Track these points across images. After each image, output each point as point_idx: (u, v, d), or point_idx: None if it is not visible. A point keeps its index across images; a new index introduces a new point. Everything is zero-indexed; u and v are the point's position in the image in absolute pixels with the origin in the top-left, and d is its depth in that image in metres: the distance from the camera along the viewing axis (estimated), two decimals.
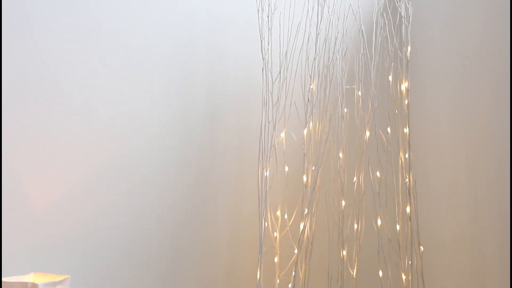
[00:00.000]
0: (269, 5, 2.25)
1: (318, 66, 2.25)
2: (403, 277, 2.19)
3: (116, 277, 2.09)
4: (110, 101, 2.11)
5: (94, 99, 2.07)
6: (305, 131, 2.23)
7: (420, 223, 2.21)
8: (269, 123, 2.21)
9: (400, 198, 2.26)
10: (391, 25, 2.35)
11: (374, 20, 2.34)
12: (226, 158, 2.37)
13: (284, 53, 2.25)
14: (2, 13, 1.89)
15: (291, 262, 2.17)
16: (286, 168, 2.29)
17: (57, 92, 1.99)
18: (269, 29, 2.25)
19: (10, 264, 1.84)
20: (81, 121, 2.04)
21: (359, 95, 2.30)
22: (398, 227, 2.23)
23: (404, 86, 2.28)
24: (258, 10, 2.24)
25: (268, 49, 2.24)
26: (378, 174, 2.28)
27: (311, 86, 2.24)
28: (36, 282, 1.68)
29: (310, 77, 2.25)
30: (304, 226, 2.14)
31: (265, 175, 2.17)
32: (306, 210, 2.15)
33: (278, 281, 2.19)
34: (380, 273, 2.23)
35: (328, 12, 2.28)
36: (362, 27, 2.30)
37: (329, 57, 2.26)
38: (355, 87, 2.31)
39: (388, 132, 2.30)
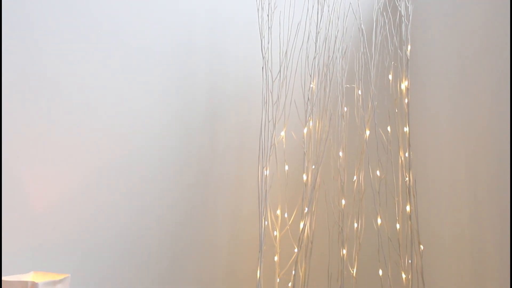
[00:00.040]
0: (269, 4, 2.25)
1: (318, 65, 2.25)
2: (403, 276, 2.19)
3: (116, 276, 2.09)
4: (110, 101, 2.11)
5: (94, 99, 2.08)
6: (305, 130, 2.23)
7: (420, 222, 2.21)
8: (269, 122, 2.21)
9: (400, 197, 2.26)
10: (391, 24, 2.34)
11: (374, 19, 2.34)
12: (226, 158, 2.37)
13: (284, 52, 2.24)
14: (1, 13, 1.89)
15: (291, 261, 2.17)
16: (286, 167, 2.29)
17: (57, 92, 2.00)
18: (269, 28, 2.24)
19: (10, 263, 1.84)
20: (81, 121, 2.04)
21: (359, 94, 2.30)
22: (398, 226, 2.23)
23: (404, 85, 2.28)
24: (258, 9, 2.24)
25: (268, 48, 2.24)
26: (378, 173, 2.28)
27: (311, 85, 2.24)
28: (36, 281, 1.68)
29: (310, 76, 2.25)
30: (304, 225, 2.14)
31: (265, 174, 2.17)
32: (306, 209, 2.15)
33: (278, 280, 2.19)
34: (380, 272, 2.23)
35: (328, 11, 2.28)
36: (362, 26, 2.30)
37: (329, 56, 2.26)
38: (355, 86, 2.31)
39: (388, 131, 2.30)
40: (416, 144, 2.40)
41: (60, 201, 1.97)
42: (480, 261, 2.18)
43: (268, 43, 2.24)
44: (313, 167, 2.20)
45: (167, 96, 2.25)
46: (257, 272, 2.12)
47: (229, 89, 2.39)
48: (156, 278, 2.17)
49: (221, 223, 2.34)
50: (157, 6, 2.24)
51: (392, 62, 2.34)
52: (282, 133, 2.27)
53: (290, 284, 2.14)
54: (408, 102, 2.25)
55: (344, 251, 2.19)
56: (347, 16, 2.29)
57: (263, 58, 2.22)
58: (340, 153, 2.26)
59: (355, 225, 2.26)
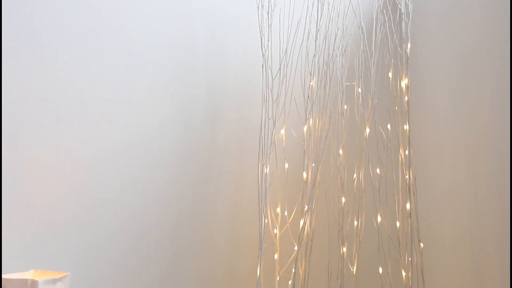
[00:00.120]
0: (269, 1, 2.25)
1: (318, 62, 2.25)
2: (403, 273, 2.19)
3: (116, 274, 2.08)
4: (109, 98, 2.10)
5: (93, 96, 2.07)
6: (305, 128, 2.23)
7: (420, 220, 2.21)
8: (269, 120, 2.20)
9: (400, 195, 2.26)
10: (391, 22, 2.34)
11: (374, 17, 2.34)
12: (226, 155, 2.37)
13: (284, 50, 2.24)
14: (1, 9, 1.88)
15: (291, 259, 2.16)
16: (286, 165, 2.28)
17: (55, 90, 1.99)
18: (269, 25, 2.24)
19: (10, 261, 1.83)
20: (80, 117, 2.03)
21: (359, 92, 2.30)
22: (398, 224, 2.23)
23: (404, 82, 2.28)
24: (258, 7, 2.24)
25: (268, 45, 2.23)
26: (378, 171, 2.28)
27: (311, 83, 2.24)
28: (36, 279, 1.67)
29: (310, 74, 2.24)
30: (304, 223, 2.14)
31: (265, 172, 2.17)
32: (306, 207, 2.15)
33: (278, 278, 2.19)
34: (380, 270, 2.23)
35: (328, 8, 2.28)
36: (362, 23, 2.30)
37: (329, 54, 2.26)
38: (355, 84, 2.31)
39: (388, 129, 2.30)
40: (416, 142, 2.40)
41: (60, 199, 1.96)
42: (480, 258, 2.18)
43: (268, 41, 2.23)
44: (313, 165, 2.19)
45: (167, 93, 2.25)
46: (257, 270, 2.12)
47: (229, 86, 2.39)
48: (156, 276, 2.17)
49: (221, 221, 2.34)
50: (157, 1, 2.24)
51: (392, 60, 2.34)
52: (282, 131, 2.26)
53: (290, 282, 2.14)
54: (408, 100, 2.25)
55: (344, 249, 2.19)
56: (347, 14, 2.29)
57: (263, 56, 2.22)
58: (340, 151, 2.26)
59: (355, 223, 2.26)
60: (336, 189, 2.26)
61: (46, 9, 1.98)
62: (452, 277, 2.32)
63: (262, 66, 2.22)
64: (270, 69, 2.23)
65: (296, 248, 2.14)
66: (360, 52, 2.31)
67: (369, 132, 2.26)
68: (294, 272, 2.12)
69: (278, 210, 2.25)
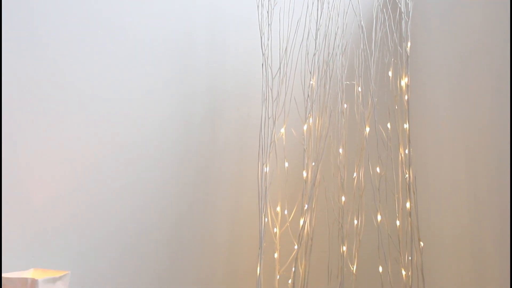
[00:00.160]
0: (269, 0, 2.24)
1: (318, 61, 2.24)
2: (403, 272, 2.19)
3: (116, 274, 2.09)
4: (109, 98, 2.11)
5: (93, 96, 2.07)
6: (305, 127, 2.23)
7: (420, 219, 2.21)
8: (269, 118, 2.21)
9: (400, 193, 2.26)
10: (391, 21, 2.34)
11: (374, 16, 2.34)
12: (226, 154, 2.37)
13: (284, 49, 2.24)
14: (1, 9, 1.89)
15: (291, 257, 2.17)
16: (286, 164, 2.29)
17: (55, 89, 1.99)
18: (268, 24, 2.24)
19: (10, 260, 1.84)
20: (80, 117, 2.04)
21: (359, 90, 2.30)
22: (398, 222, 2.23)
23: (404, 81, 2.28)
24: (258, 6, 2.23)
25: (268, 44, 2.23)
26: (378, 169, 2.28)
27: (311, 82, 2.24)
28: (36, 278, 1.68)
29: (310, 72, 2.24)
30: (304, 222, 2.14)
31: (265, 170, 2.17)
32: (306, 206, 2.15)
33: (278, 276, 2.20)
34: (380, 269, 2.23)
35: (328, 7, 2.28)
36: (362, 22, 2.29)
37: (329, 53, 2.26)
38: (355, 82, 2.31)
39: (388, 128, 2.30)
40: (416, 140, 2.40)
41: (60, 198, 1.97)
42: (480, 256, 2.18)
43: (268, 39, 2.23)
44: (313, 164, 2.20)
45: (167, 92, 2.25)
46: (257, 269, 2.12)
47: (229, 85, 2.39)
48: (156, 275, 2.17)
49: (221, 220, 2.34)
50: (158, 4, 2.24)
51: (392, 59, 2.33)
52: (282, 130, 2.27)
53: (290, 281, 2.14)
54: (408, 98, 2.25)
55: (344, 248, 2.19)
56: (347, 12, 2.29)
57: (263, 55, 2.22)
58: (340, 150, 2.26)
59: (355, 221, 2.26)
60: (336, 188, 2.26)
61: (46, 9, 1.99)
62: (452, 276, 2.32)
63: (262, 65, 2.22)
64: (270, 68, 2.23)
65: (296, 247, 2.14)
66: (360, 51, 2.31)
67: (369, 131, 2.26)
68: (294, 271, 2.13)
69: (278, 209, 2.26)
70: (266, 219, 2.16)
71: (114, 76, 2.12)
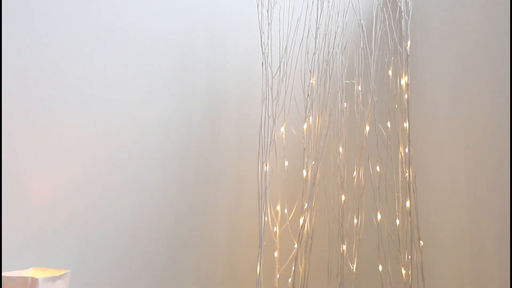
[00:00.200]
0: None
1: (318, 60, 2.24)
2: (403, 271, 2.19)
3: (116, 272, 2.10)
4: (109, 97, 2.11)
5: (93, 96, 2.08)
6: (305, 126, 2.23)
7: (420, 218, 2.21)
8: (269, 117, 2.21)
9: (400, 192, 2.26)
10: (391, 20, 2.34)
11: (374, 15, 2.34)
12: (226, 153, 2.37)
13: (284, 48, 2.24)
14: (1, 9, 1.89)
15: (291, 256, 2.17)
16: (286, 163, 2.29)
17: (55, 89, 2.00)
18: (268, 23, 2.24)
19: (10, 259, 1.85)
20: (80, 117, 2.04)
21: (359, 89, 2.30)
22: (398, 221, 2.23)
23: (404, 80, 2.27)
24: (257, 5, 2.23)
25: (268, 43, 2.23)
26: (378, 168, 2.28)
27: (311, 81, 2.24)
28: (36, 276, 1.69)
29: (310, 71, 2.24)
30: (304, 221, 2.14)
31: (265, 169, 2.17)
32: (306, 204, 2.15)
33: (278, 275, 2.20)
34: (380, 268, 2.23)
35: (328, 6, 2.27)
36: (362, 21, 2.29)
37: (329, 52, 2.26)
38: (355, 81, 2.31)
39: (388, 127, 2.30)
40: (416, 139, 2.40)
41: (60, 197, 1.98)
42: (479, 255, 2.18)
43: (267, 39, 2.23)
44: (313, 162, 2.20)
45: (167, 92, 2.25)
46: (257, 267, 2.12)
47: (229, 84, 2.39)
48: (156, 273, 2.18)
49: (221, 219, 2.35)
50: (158, 3, 2.24)
51: (392, 58, 2.33)
52: (282, 129, 2.27)
53: (290, 280, 2.15)
54: (408, 97, 2.25)
55: (344, 247, 2.19)
56: (347, 11, 2.29)
57: (262, 54, 2.22)
58: (340, 149, 2.26)
59: (355, 220, 2.26)
60: (336, 187, 2.26)
61: (46, 9, 1.99)
62: (452, 275, 2.32)
63: (262, 64, 2.22)
64: (270, 67, 2.23)
65: (296, 246, 2.15)
66: (360, 50, 2.30)
67: (369, 130, 2.26)
68: (294, 270, 2.13)
69: (278, 208, 2.26)
70: (266, 218, 2.16)
71: (114, 76, 2.13)
